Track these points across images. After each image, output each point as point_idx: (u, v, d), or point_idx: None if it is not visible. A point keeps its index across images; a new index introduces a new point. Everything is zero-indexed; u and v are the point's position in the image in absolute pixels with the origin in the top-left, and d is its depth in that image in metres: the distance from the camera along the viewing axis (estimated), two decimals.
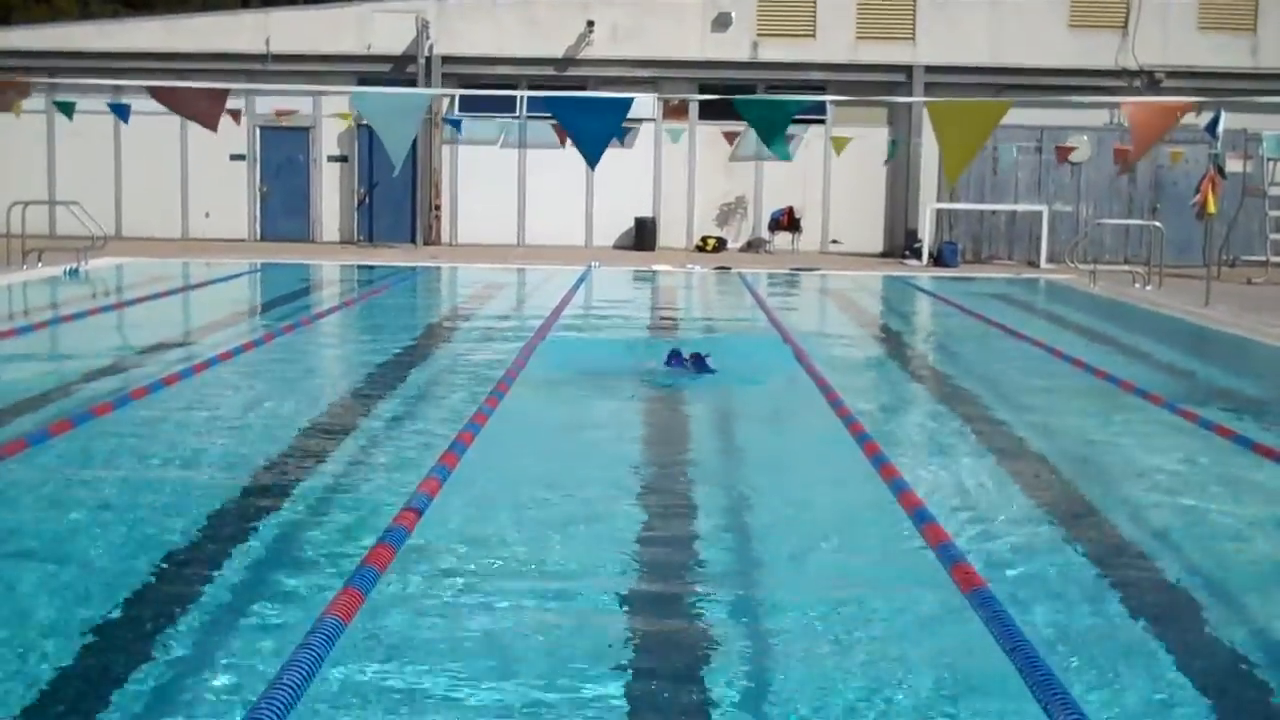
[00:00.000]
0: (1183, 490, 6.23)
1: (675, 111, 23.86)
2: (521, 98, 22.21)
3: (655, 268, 19.81)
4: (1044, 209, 23.18)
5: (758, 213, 24.32)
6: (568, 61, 23.62)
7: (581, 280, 16.86)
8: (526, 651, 3.89)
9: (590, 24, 23.41)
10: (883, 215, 24.35)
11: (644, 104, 22.19)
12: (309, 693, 3.11)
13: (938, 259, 22.36)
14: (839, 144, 20.78)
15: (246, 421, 7.47)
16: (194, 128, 9.63)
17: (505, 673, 3.73)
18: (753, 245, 24.06)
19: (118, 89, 18.39)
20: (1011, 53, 23.19)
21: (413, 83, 22.93)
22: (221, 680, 3.64)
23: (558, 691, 3.59)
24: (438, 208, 24.16)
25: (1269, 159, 21.97)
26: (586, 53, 23.57)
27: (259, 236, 24.28)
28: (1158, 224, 19.53)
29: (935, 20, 23.55)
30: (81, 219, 17.94)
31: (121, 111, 14.50)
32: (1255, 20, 23.65)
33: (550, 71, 23.54)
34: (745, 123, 10.10)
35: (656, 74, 23.39)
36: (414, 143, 11.59)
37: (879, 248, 24.24)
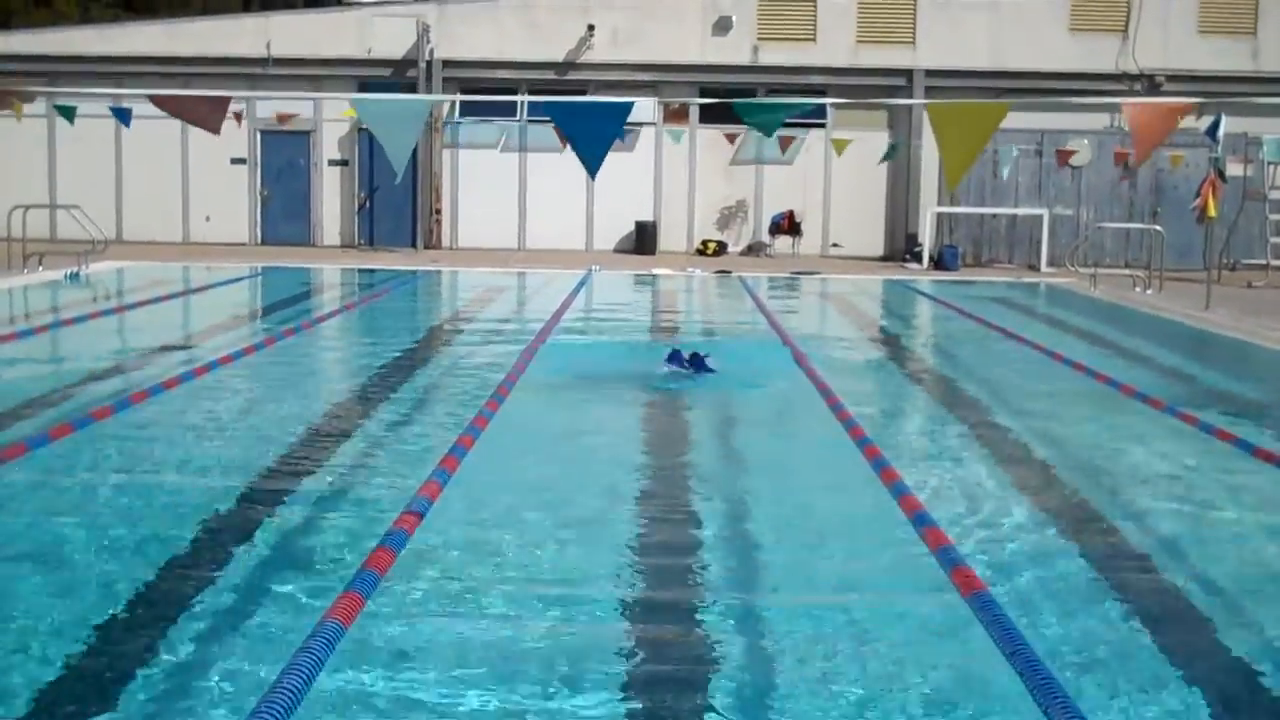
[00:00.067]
0: (1183, 494, 6.22)
1: (676, 115, 23.86)
2: (522, 102, 22.21)
3: (656, 271, 19.82)
4: (1044, 213, 23.18)
5: (758, 216, 24.33)
6: (568, 65, 23.64)
7: (582, 284, 16.86)
8: (526, 656, 3.89)
9: (591, 28, 23.43)
10: (883, 219, 24.35)
11: (644, 108, 22.25)
12: (308, 697, 3.10)
13: (938, 262, 22.36)
14: (839, 145, 20.80)
15: (246, 425, 7.47)
16: (195, 131, 9.65)
17: (504, 678, 3.72)
18: (753, 249, 24.06)
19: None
20: (1012, 56, 23.20)
21: (413, 87, 22.95)
22: (221, 683, 3.63)
23: (557, 699, 3.58)
24: (438, 212, 24.17)
25: (1269, 163, 21.97)
26: (587, 56, 23.59)
27: (259, 240, 24.29)
28: (1158, 228, 19.52)
29: (936, 24, 23.56)
30: (82, 223, 17.94)
31: (123, 115, 14.51)
32: (1255, 24, 23.66)
33: (551, 75, 23.55)
34: (746, 126, 10.11)
35: (657, 78, 23.41)
36: (414, 147, 11.56)
37: (879, 251, 24.24)
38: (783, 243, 24.02)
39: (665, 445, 7.20)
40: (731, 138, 23.34)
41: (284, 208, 24.34)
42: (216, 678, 3.68)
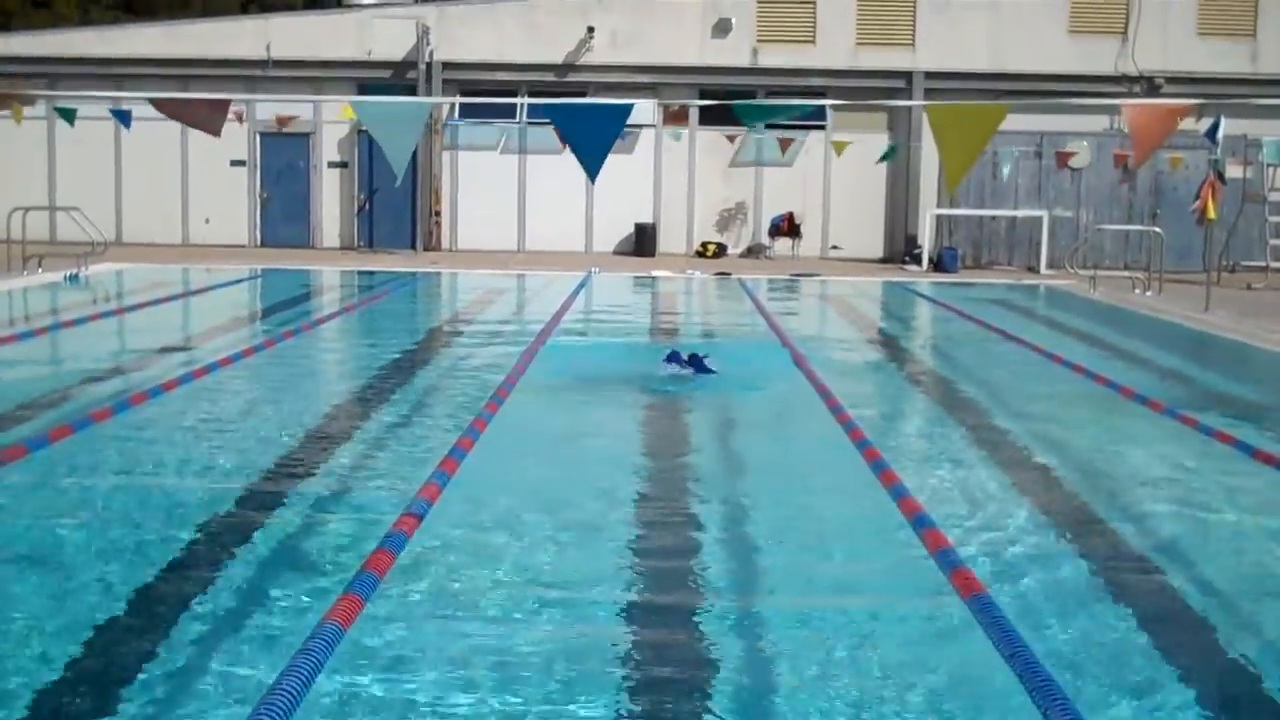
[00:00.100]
0: (1182, 496, 6.22)
1: (675, 117, 23.88)
2: (521, 104, 22.20)
3: (655, 273, 19.82)
4: (1044, 214, 23.19)
5: (758, 218, 24.33)
6: (568, 67, 23.64)
7: (582, 286, 16.86)
8: (525, 659, 3.88)
9: (590, 30, 23.43)
10: (883, 221, 24.36)
11: (644, 110, 22.26)
12: (307, 699, 3.10)
13: (938, 264, 22.36)
14: (839, 146, 20.80)
15: (246, 427, 7.47)
16: (194, 133, 9.67)
17: (503, 681, 3.71)
18: (753, 251, 24.07)
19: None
20: (1012, 58, 23.21)
21: (413, 89, 22.97)
22: (220, 685, 3.63)
23: (556, 702, 3.58)
24: (438, 213, 24.17)
25: (1268, 164, 21.99)
26: (587, 58, 23.60)
27: (259, 242, 24.29)
28: (1158, 229, 19.53)
29: (935, 26, 23.57)
30: (82, 224, 17.95)
31: (124, 117, 14.51)
32: (1255, 26, 23.68)
33: (550, 77, 23.56)
34: (745, 129, 10.10)
35: (656, 80, 23.42)
36: (414, 149, 11.55)
37: (879, 253, 24.25)
38: (782, 245, 24.03)
39: (665, 447, 7.19)
40: (731, 139, 23.35)
41: (283, 210, 24.34)
42: (216, 680, 3.68)
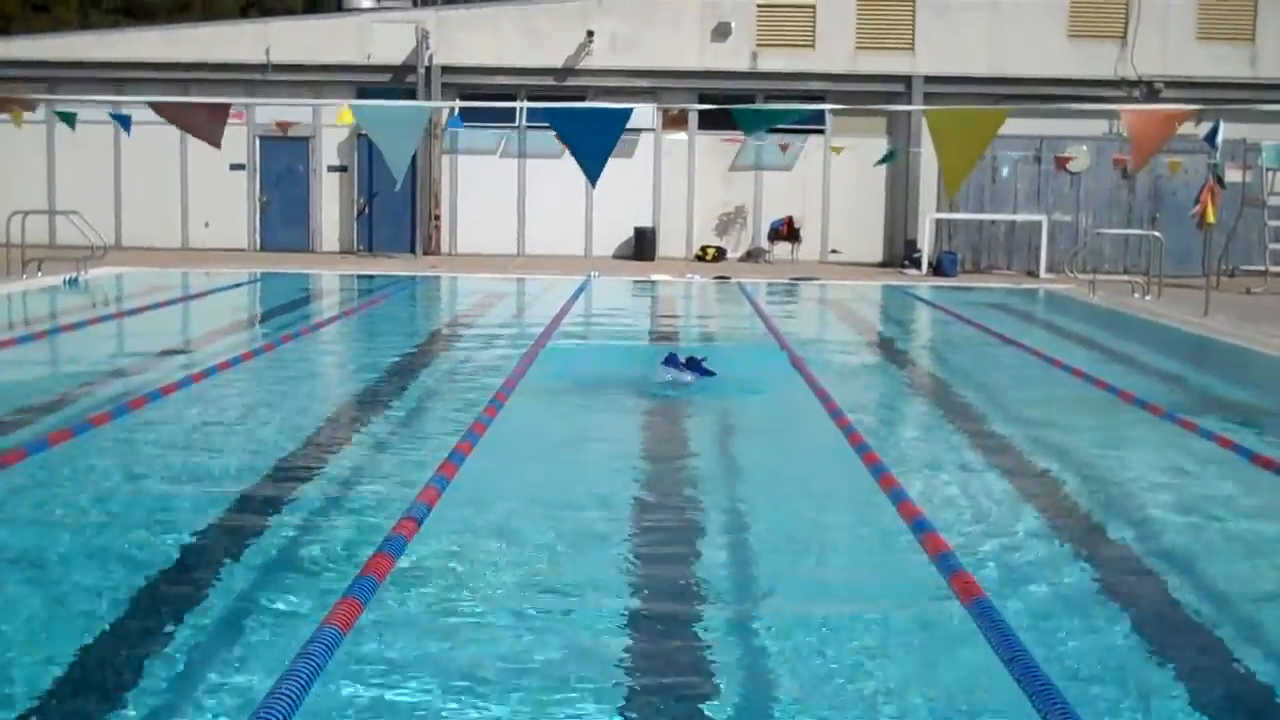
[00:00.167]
0: (1182, 500, 6.22)
1: (675, 121, 23.90)
2: (521, 108, 22.26)
3: (655, 277, 19.82)
4: (1043, 219, 23.21)
5: (757, 222, 24.35)
6: (567, 71, 23.66)
7: (581, 290, 16.87)
8: (523, 664, 3.87)
9: (590, 34, 23.45)
10: (882, 225, 24.37)
11: (643, 114, 22.28)
12: (305, 703, 3.09)
13: (937, 269, 22.37)
14: (834, 150, 20.80)
15: (245, 430, 7.47)
16: (194, 137, 9.66)
17: (502, 686, 3.71)
18: (752, 255, 24.08)
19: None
20: (1011, 63, 23.22)
21: (412, 93, 22.98)
22: (219, 689, 3.63)
23: (554, 708, 3.57)
24: (437, 218, 24.18)
25: (1268, 169, 22.01)
26: (586, 63, 23.61)
27: (258, 246, 24.30)
28: (1157, 234, 19.55)
29: (935, 30, 23.59)
30: (81, 228, 17.95)
31: (124, 121, 14.52)
32: (1254, 30, 23.70)
33: (550, 81, 23.57)
34: (744, 133, 10.11)
35: (656, 84, 23.43)
36: (414, 153, 11.55)
37: (878, 257, 24.26)
38: (781, 249, 24.03)
39: (663, 451, 7.19)
40: (731, 143, 23.36)
41: (283, 214, 24.35)
42: (214, 684, 3.67)
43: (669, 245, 24.15)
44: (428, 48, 23.42)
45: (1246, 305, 17.09)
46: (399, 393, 8.98)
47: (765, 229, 24.21)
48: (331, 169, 24.25)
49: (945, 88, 22.72)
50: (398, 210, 23.85)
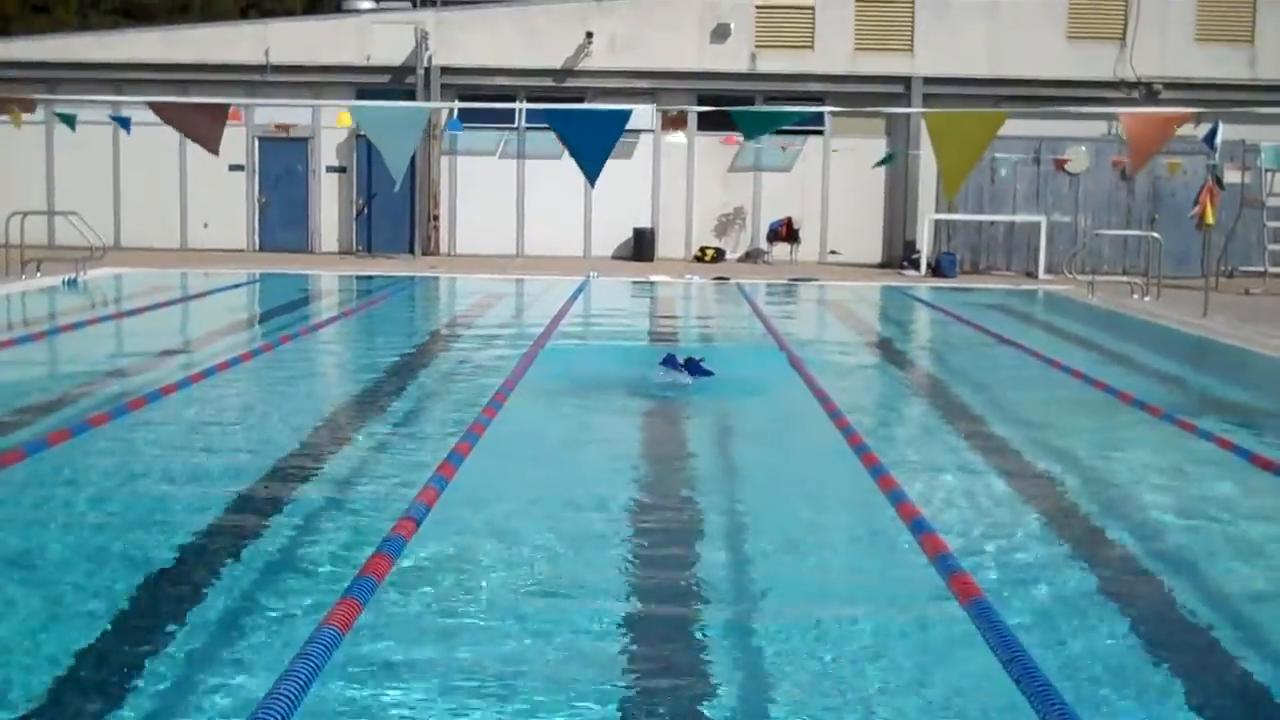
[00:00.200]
0: (1181, 501, 6.22)
1: (674, 122, 23.90)
2: (520, 109, 22.28)
3: (654, 278, 19.83)
4: (1042, 220, 23.22)
5: (756, 223, 24.34)
6: (566, 72, 23.66)
7: (580, 290, 16.87)
8: (522, 666, 3.87)
9: (589, 35, 23.46)
10: (881, 226, 24.37)
11: (643, 115, 22.28)
12: (304, 705, 3.09)
13: (936, 270, 22.37)
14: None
15: (244, 431, 7.47)
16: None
17: (500, 688, 3.71)
18: (751, 256, 24.08)
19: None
20: (1010, 64, 23.22)
21: (412, 94, 22.97)
22: (218, 690, 3.62)
23: (553, 711, 3.57)
24: (436, 218, 24.18)
25: (1267, 170, 22.02)
26: (585, 64, 23.61)
27: (257, 247, 24.30)
28: (1156, 235, 19.55)
29: (934, 31, 23.59)
30: (80, 229, 17.95)
31: (124, 123, 14.53)
32: (1253, 32, 23.71)
33: (549, 82, 23.58)
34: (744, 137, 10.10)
35: (655, 85, 23.44)
36: (413, 154, 11.54)
37: (877, 258, 24.26)
38: (780, 249, 24.03)
39: (662, 452, 7.19)
40: (730, 144, 23.37)
41: (282, 214, 24.35)
42: (212, 685, 3.67)
43: (668, 246, 24.15)
44: (427, 49, 23.43)
45: (1245, 306, 17.10)
46: (398, 393, 8.98)
47: (764, 230, 24.20)
48: (330, 170, 24.25)
49: (944, 89, 22.72)
50: (397, 211, 23.84)
